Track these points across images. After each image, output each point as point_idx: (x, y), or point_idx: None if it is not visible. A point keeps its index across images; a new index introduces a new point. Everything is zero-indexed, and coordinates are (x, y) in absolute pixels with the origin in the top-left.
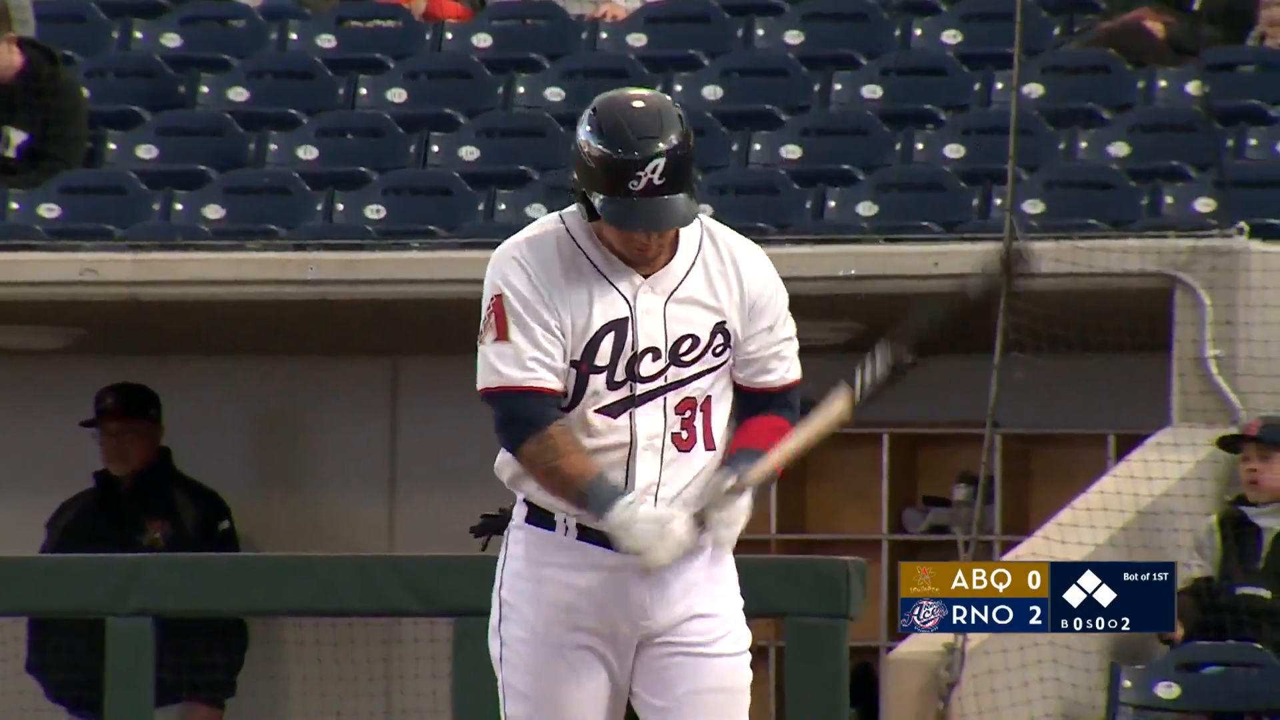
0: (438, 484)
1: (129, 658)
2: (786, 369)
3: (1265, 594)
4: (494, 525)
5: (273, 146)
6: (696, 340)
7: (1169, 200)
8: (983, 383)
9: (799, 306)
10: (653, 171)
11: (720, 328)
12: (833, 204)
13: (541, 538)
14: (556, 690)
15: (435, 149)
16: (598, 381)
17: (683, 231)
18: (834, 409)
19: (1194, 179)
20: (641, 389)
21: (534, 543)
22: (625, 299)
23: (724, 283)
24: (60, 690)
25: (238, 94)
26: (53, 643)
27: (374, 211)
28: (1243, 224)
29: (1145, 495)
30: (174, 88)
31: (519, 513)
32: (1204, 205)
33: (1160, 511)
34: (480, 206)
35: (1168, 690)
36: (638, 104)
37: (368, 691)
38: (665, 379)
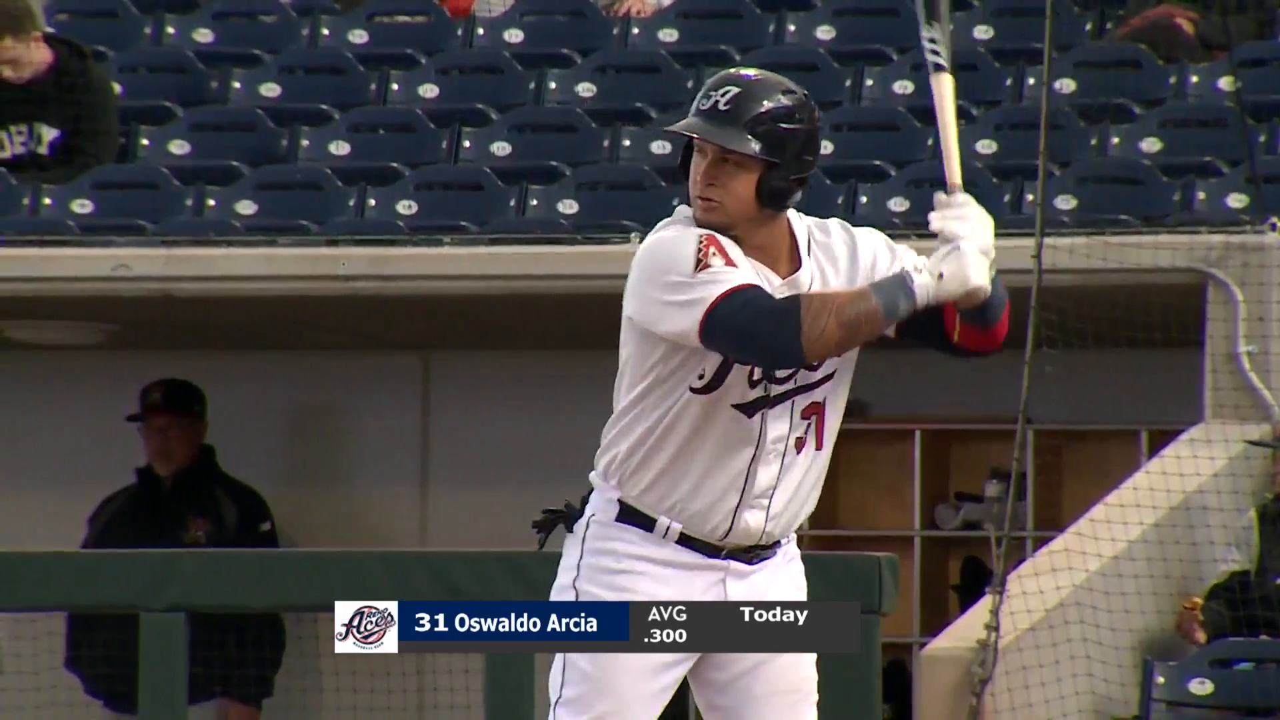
0: (470, 478)
1: (162, 652)
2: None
3: None
4: (557, 520)
5: (305, 142)
6: None
7: (1201, 196)
8: (1014, 378)
9: None
10: (721, 94)
11: None
12: (864, 200)
13: (639, 537)
14: (618, 674)
15: (467, 144)
16: (739, 375)
17: (797, 233)
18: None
19: (1226, 174)
20: (776, 390)
21: (625, 540)
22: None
23: (834, 268)
24: (98, 685)
25: (270, 89)
26: (90, 638)
27: (405, 207)
28: (1275, 220)
29: (1178, 491)
30: (206, 83)
31: (608, 511)
32: (1236, 201)
33: (1194, 507)
34: (511, 202)
35: (1201, 687)
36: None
37: (400, 687)
38: (795, 382)
